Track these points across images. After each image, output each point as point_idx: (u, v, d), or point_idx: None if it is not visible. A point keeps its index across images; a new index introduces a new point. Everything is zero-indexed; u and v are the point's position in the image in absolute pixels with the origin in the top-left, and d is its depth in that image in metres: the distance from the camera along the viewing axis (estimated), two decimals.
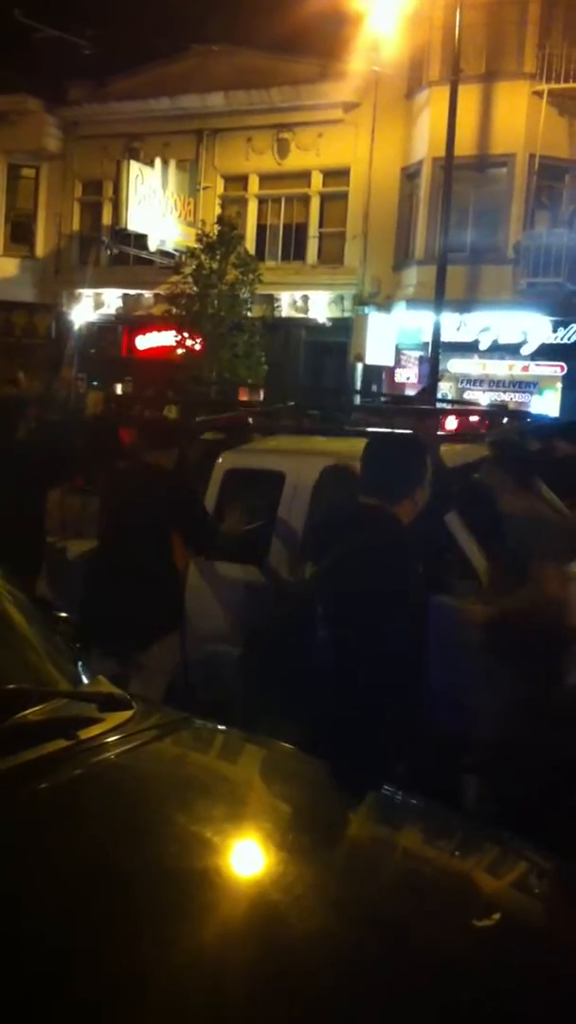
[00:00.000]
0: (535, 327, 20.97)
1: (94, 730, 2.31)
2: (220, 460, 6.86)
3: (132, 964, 1.59)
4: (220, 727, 2.80)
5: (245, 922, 1.80)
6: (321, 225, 24.57)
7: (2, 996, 1.47)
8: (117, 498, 5.98)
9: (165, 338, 23.52)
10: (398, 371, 23.13)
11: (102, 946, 1.62)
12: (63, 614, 2.94)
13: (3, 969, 1.52)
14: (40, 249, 27.77)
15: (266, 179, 25.21)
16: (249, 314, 22.41)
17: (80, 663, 2.77)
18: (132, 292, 26.25)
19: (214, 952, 1.69)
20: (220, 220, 23.04)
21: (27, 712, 2.26)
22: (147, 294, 25.75)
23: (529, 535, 5.27)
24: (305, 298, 24.23)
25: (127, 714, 2.45)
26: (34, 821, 1.98)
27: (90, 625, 4.43)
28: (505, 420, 10.26)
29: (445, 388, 20.65)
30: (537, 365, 21.47)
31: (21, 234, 27.83)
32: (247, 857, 2.08)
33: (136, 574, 5.34)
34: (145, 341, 25.27)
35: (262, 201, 25.34)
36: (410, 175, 22.71)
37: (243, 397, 17.90)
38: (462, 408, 14.52)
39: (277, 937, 1.77)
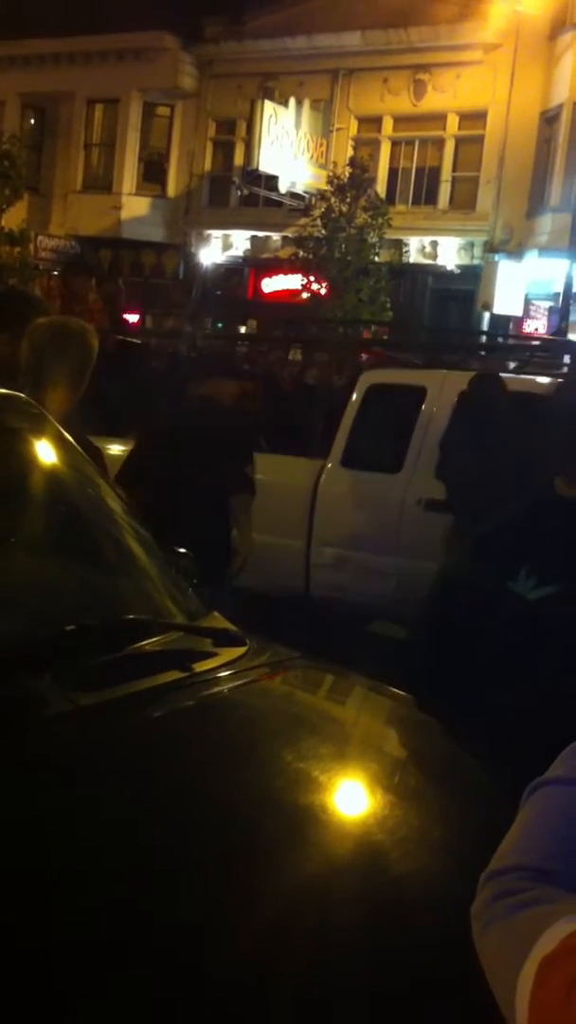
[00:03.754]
0: None
1: (208, 664, 2.36)
2: (363, 375, 7.15)
3: (236, 889, 1.64)
4: (331, 667, 2.83)
5: (348, 858, 1.84)
6: (454, 169, 24.06)
7: (111, 914, 1.53)
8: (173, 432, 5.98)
9: (291, 281, 23.43)
10: (527, 321, 22.65)
11: (207, 871, 1.67)
12: (182, 549, 2.99)
13: (114, 889, 1.58)
14: (172, 189, 27.79)
15: (401, 121, 24.75)
16: (377, 259, 22.15)
17: (197, 598, 2.81)
18: (260, 234, 26.16)
19: (316, 883, 1.73)
20: (352, 162, 22.75)
21: (144, 643, 2.31)
22: (275, 236, 25.64)
23: None
24: (434, 244, 23.83)
25: (240, 650, 2.49)
26: (146, 748, 2.04)
27: None
28: None
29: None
30: None
31: (153, 173, 27.87)
32: (351, 796, 2.11)
33: (193, 508, 5.33)
34: (271, 284, 25.21)
35: (395, 143, 24.90)
36: (549, 119, 22.04)
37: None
38: None
39: (378, 875, 1.80)
